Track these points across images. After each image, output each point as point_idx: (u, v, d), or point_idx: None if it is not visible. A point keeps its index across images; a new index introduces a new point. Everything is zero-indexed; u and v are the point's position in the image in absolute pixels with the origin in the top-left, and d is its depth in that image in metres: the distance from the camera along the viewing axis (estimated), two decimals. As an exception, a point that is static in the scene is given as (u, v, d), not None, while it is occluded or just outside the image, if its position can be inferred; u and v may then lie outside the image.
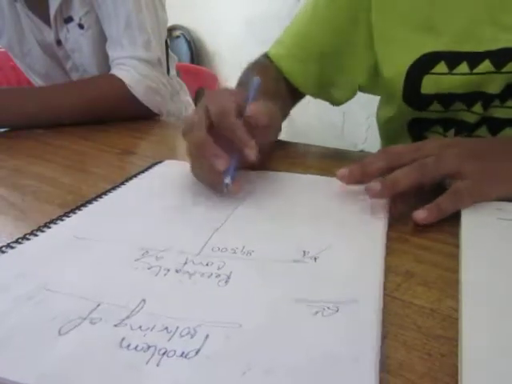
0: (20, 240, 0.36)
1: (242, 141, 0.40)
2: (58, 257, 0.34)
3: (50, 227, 0.38)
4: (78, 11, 0.82)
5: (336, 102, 0.68)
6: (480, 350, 0.24)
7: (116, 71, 0.79)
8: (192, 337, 0.25)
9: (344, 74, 0.64)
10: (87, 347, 0.25)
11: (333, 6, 0.61)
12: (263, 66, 0.66)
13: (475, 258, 0.32)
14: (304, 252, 0.34)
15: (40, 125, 0.72)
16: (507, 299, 0.28)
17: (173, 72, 1.04)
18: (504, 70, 0.49)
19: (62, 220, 0.39)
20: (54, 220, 0.39)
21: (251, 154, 0.39)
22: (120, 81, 0.78)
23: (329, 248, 0.34)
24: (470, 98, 0.53)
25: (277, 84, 0.64)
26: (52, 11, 0.82)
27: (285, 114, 0.65)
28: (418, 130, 0.62)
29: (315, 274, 0.31)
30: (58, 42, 0.87)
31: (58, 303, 0.29)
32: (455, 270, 0.32)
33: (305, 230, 0.37)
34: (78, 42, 0.85)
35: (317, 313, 0.27)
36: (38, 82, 0.99)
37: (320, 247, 0.34)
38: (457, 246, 0.35)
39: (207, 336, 0.25)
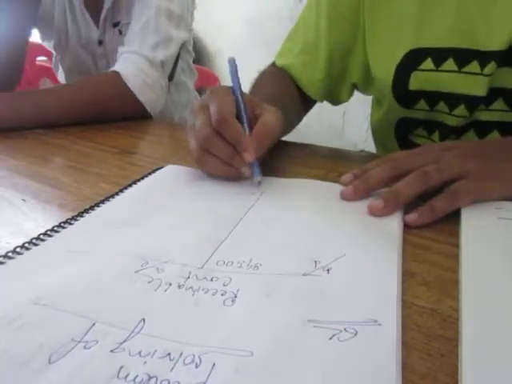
0: (10, 254, 0.33)
1: (242, 146, 0.42)
2: (49, 273, 0.31)
3: (43, 239, 0.36)
4: (123, 19, 0.90)
5: (338, 102, 0.70)
6: (480, 350, 0.24)
7: (117, 64, 0.82)
8: (197, 366, 0.23)
9: (346, 74, 0.65)
10: (81, 378, 0.22)
11: (335, 13, 0.62)
12: (274, 73, 0.68)
13: (475, 258, 0.32)
14: (316, 262, 0.31)
15: (38, 126, 0.72)
16: (507, 299, 0.27)
17: (191, 86, 1.13)
18: (485, 71, 0.50)
19: (57, 232, 0.37)
20: (47, 231, 0.37)
21: (250, 158, 0.42)
22: (116, 73, 0.80)
23: (342, 257, 0.32)
24: (453, 98, 0.53)
25: (288, 89, 0.66)
26: (103, 13, 0.92)
27: (293, 119, 0.68)
28: (403, 131, 0.63)
29: (328, 289, 0.29)
30: (100, 42, 0.96)
31: (48, 323, 0.26)
32: (455, 269, 0.32)
33: (316, 238, 0.35)
34: (119, 44, 0.89)
35: (333, 336, 0.24)
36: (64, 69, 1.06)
37: (333, 256, 0.32)
38: (457, 245, 0.34)
39: (214, 365, 0.23)
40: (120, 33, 0.92)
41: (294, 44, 0.68)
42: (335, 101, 0.70)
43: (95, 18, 0.94)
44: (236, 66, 0.49)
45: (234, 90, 0.47)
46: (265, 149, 0.44)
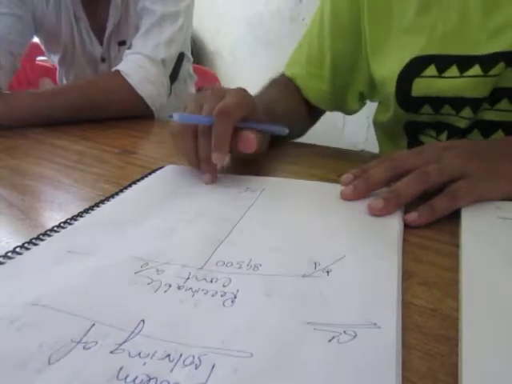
0: (10, 254, 0.33)
1: (217, 146, 0.42)
2: (49, 273, 0.31)
3: (43, 239, 0.36)
4: (130, 38, 0.92)
5: (351, 112, 0.71)
6: (480, 350, 0.24)
7: (119, 64, 0.84)
8: (197, 367, 0.23)
9: (352, 84, 0.66)
10: (81, 379, 0.22)
11: (337, 25, 0.63)
12: (283, 83, 0.69)
13: (475, 258, 0.32)
14: (315, 264, 0.31)
15: (38, 124, 0.73)
16: (507, 299, 0.27)
17: (191, 90, 1.16)
18: (491, 73, 0.50)
19: (57, 232, 0.37)
20: (47, 231, 0.37)
21: (218, 157, 0.43)
22: (117, 71, 0.82)
23: (342, 259, 0.32)
24: (458, 102, 0.54)
25: (292, 98, 0.68)
26: (107, 32, 0.95)
27: (295, 126, 0.69)
28: (413, 132, 0.63)
29: (328, 290, 0.29)
30: (103, 59, 0.99)
31: (47, 324, 0.26)
32: (455, 269, 0.32)
33: (316, 239, 0.35)
34: None
35: (332, 339, 0.24)
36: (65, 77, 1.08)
37: (333, 258, 0.32)
38: (457, 245, 0.34)
39: (213, 366, 0.23)
40: None
41: (301, 55, 0.69)
42: (346, 110, 0.71)
43: (100, 35, 0.96)
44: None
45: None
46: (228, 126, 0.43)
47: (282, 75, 0.71)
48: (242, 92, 0.47)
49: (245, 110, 0.45)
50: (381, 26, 0.58)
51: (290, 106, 0.66)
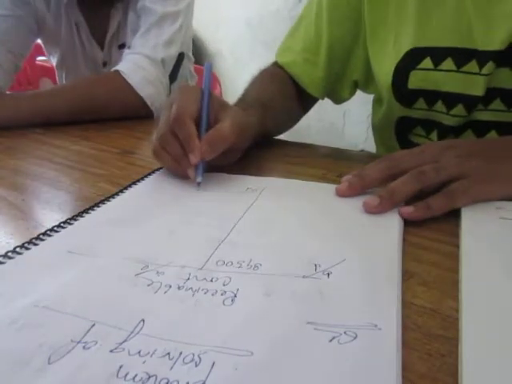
0: (10, 254, 0.33)
1: (189, 147, 0.44)
2: (49, 273, 0.31)
3: (43, 239, 0.36)
4: (130, 40, 0.92)
5: (340, 100, 0.70)
6: (480, 350, 0.24)
7: (119, 65, 0.84)
8: (196, 365, 0.23)
9: (347, 71, 0.65)
10: (80, 378, 0.22)
11: (335, 11, 0.63)
12: (270, 73, 0.68)
13: (475, 258, 0.32)
14: (316, 266, 0.31)
15: (39, 124, 0.73)
16: (507, 299, 0.27)
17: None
18: (483, 71, 0.50)
19: (57, 232, 0.37)
20: (47, 231, 0.37)
21: (193, 159, 0.43)
22: (116, 71, 0.82)
23: (343, 262, 0.32)
24: (451, 98, 0.54)
25: (283, 90, 0.66)
26: (108, 37, 0.95)
27: (286, 119, 0.69)
28: (403, 131, 0.63)
29: (329, 292, 0.29)
30: (104, 64, 0.99)
31: (47, 324, 0.26)
32: (455, 269, 0.32)
33: (316, 241, 0.35)
34: None
35: (333, 339, 0.24)
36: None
37: (333, 261, 0.32)
38: (457, 245, 0.34)
39: (213, 364, 0.23)
40: None
41: (295, 41, 0.68)
42: (337, 99, 0.70)
43: (101, 40, 0.96)
44: (211, 71, 0.52)
45: (203, 91, 0.48)
46: (215, 153, 0.44)
47: (273, 64, 0.70)
48: (185, 90, 0.48)
49: (195, 106, 0.46)
50: (380, 15, 0.58)
51: (285, 100, 0.66)
